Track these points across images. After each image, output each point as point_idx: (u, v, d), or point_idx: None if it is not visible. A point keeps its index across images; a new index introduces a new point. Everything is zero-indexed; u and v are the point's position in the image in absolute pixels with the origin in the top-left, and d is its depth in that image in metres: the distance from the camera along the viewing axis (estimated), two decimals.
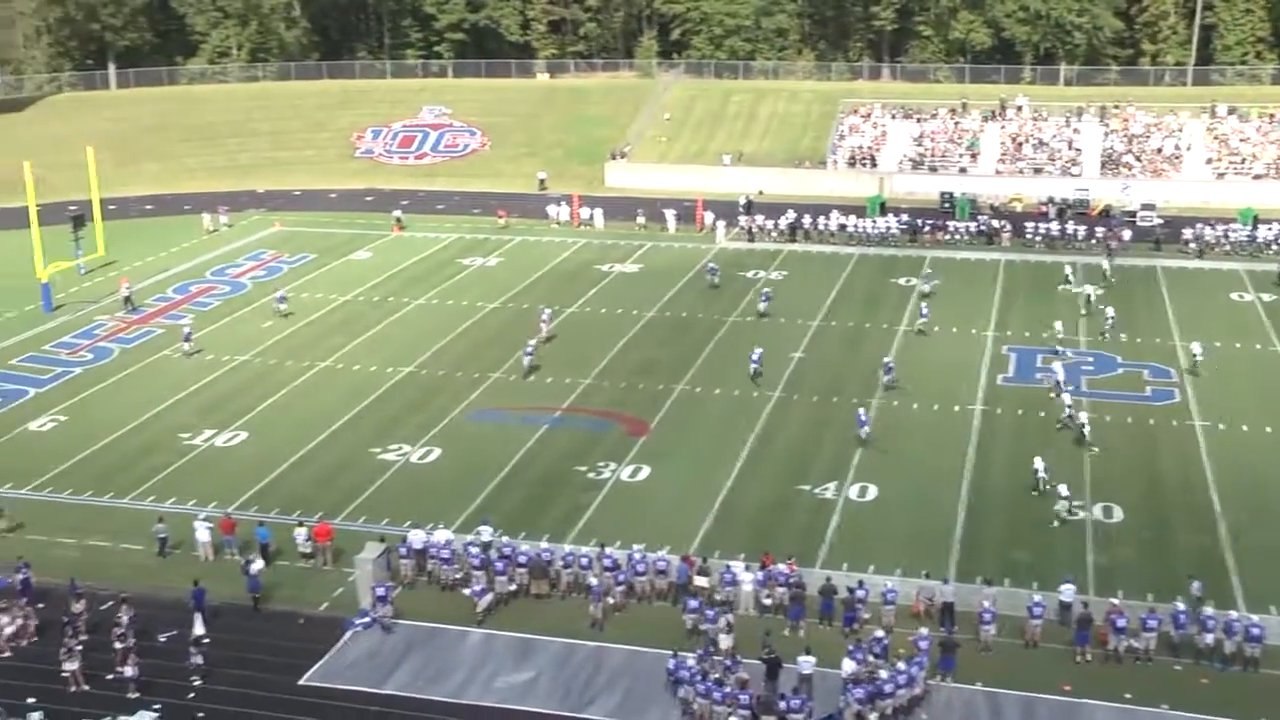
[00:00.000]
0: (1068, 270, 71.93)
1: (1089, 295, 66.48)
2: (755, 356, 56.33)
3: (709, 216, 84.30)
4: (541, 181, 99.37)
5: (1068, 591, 37.56)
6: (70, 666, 35.29)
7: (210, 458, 50.02)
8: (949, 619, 37.13)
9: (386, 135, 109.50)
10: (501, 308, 68.38)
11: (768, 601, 38.11)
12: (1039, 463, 45.67)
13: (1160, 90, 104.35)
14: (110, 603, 38.69)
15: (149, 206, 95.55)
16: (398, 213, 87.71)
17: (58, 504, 46.37)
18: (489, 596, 38.06)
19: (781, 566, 38.76)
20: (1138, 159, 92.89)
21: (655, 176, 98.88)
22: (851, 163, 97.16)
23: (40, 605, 38.99)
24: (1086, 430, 49.30)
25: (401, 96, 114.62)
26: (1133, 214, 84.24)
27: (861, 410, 51.30)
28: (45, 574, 40.24)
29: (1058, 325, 60.98)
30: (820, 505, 44.70)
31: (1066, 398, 52.12)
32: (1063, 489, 43.87)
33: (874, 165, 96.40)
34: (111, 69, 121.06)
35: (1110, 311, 62.90)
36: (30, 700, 34.49)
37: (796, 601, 37.60)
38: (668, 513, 44.29)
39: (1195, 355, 56.87)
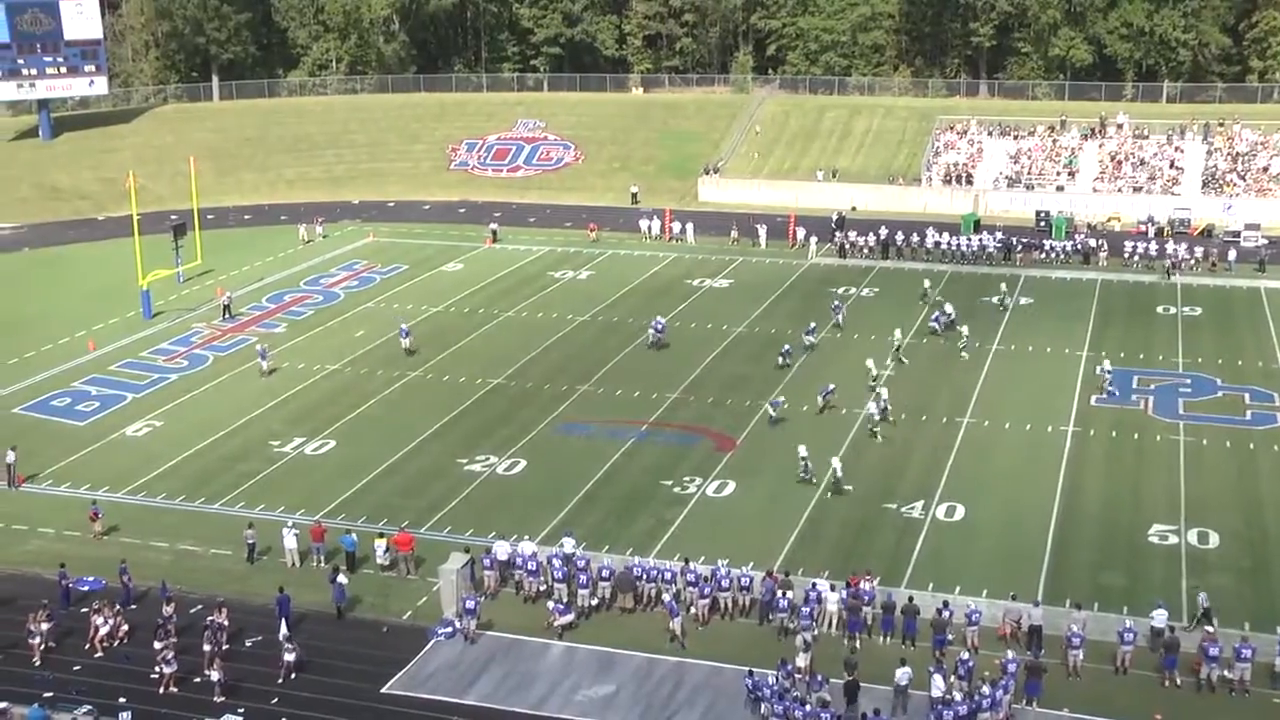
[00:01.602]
0: (926, 284, 71.51)
1: (924, 291, 69.22)
2: (825, 389, 55.12)
3: (801, 232, 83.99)
4: (634, 195, 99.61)
5: (1159, 617, 36.80)
6: (166, 670, 35.86)
7: (299, 465, 50.68)
8: (1036, 642, 36.56)
9: (481, 148, 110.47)
10: (591, 321, 68.61)
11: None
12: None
13: (1268, 108, 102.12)
14: (200, 606, 39.32)
15: (247, 216, 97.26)
16: (493, 225, 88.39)
17: (152, 508, 47.24)
18: (569, 616, 38.08)
19: (865, 585, 38.43)
20: (1242, 178, 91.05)
21: (748, 191, 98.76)
22: (946, 180, 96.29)
23: (133, 607, 39.76)
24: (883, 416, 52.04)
25: (496, 110, 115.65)
26: (1235, 234, 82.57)
27: (781, 398, 53.81)
28: (137, 577, 40.97)
29: (897, 333, 62.29)
30: (907, 524, 44.25)
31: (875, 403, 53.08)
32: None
33: (969, 183, 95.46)
34: (215, 81, 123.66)
35: (965, 330, 62.75)
36: (121, 700, 35.15)
37: (854, 614, 37.32)
38: (752, 529, 44.10)
39: None
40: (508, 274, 79.03)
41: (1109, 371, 56.50)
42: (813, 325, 63.06)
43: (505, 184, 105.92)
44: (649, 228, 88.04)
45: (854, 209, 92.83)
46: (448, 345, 64.79)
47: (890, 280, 75.40)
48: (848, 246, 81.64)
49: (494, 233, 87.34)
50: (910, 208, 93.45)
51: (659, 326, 64.41)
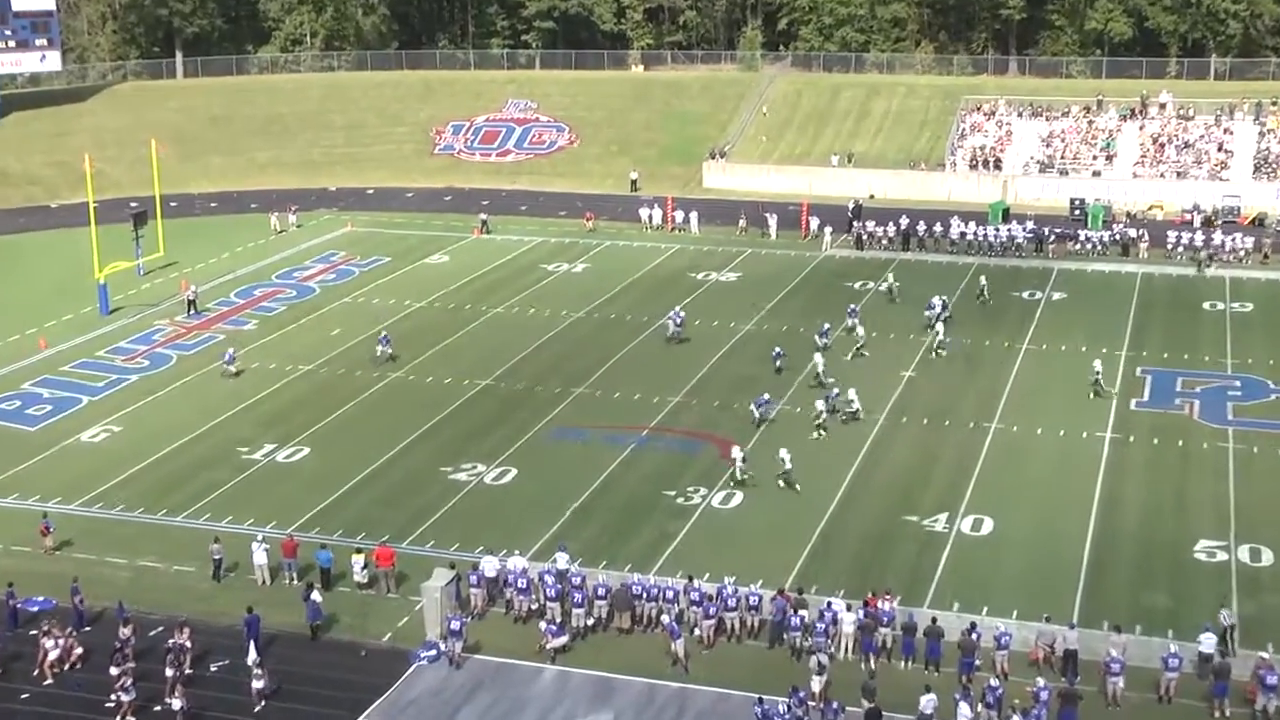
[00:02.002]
0: (891, 279, 71.63)
1: (890, 287, 69.88)
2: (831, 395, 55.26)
3: (815, 222, 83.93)
4: (633, 182, 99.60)
5: (1208, 641, 36.60)
6: (124, 698, 35.66)
7: (270, 474, 50.57)
8: (1071, 668, 36.40)
9: (468, 130, 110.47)
10: (587, 318, 68.57)
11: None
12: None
13: None
14: (160, 628, 39.18)
15: (214, 204, 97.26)
16: (484, 216, 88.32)
17: (108, 520, 47.09)
18: (563, 638, 37.95)
19: (884, 605, 38.30)
20: None
21: (757, 178, 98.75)
22: (973, 165, 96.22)
23: (87, 629, 39.60)
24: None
25: (485, 89, 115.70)
26: None
27: (766, 395, 54.28)
28: (92, 596, 40.79)
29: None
30: (929, 539, 44.13)
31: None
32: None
33: (998, 168, 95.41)
34: (178, 57, 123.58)
35: (860, 331, 62.87)
36: None
37: (867, 633, 37.20)
38: (762, 543, 43.97)
39: None
40: (497, 267, 78.95)
41: (1098, 373, 56.48)
42: (826, 326, 62.90)
43: (494, 169, 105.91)
44: (650, 217, 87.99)
45: (872, 197, 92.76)
46: (432, 344, 64.71)
47: (911, 274, 75.22)
48: (865, 237, 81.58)
49: (484, 223, 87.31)
50: (933, 195, 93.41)
51: (678, 319, 64.42)
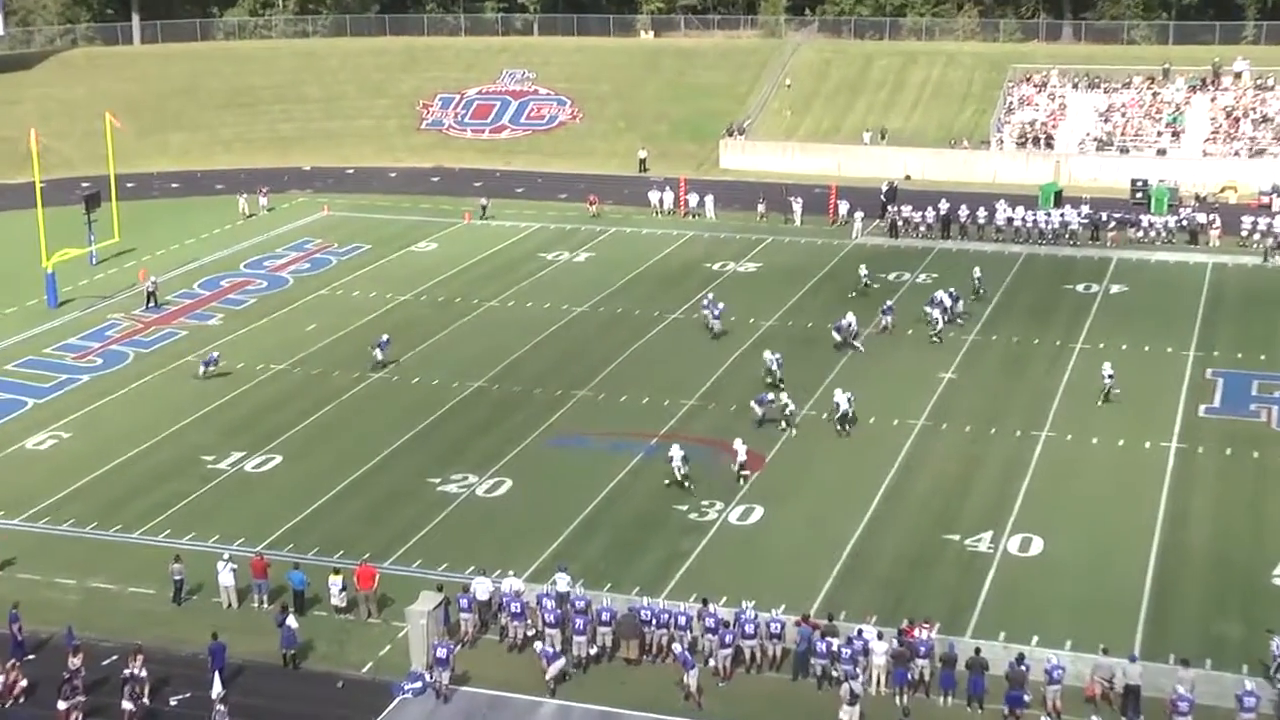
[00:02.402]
0: (863, 271, 71.41)
1: (862, 278, 70.39)
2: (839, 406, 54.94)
3: (844, 206, 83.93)
4: (642, 162, 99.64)
5: None
6: None
7: (238, 485, 50.60)
8: (1133, 706, 36.30)
9: (458, 104, 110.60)
10: (591, 312, 68.67)
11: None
12: None
13: None
14: (115, 656, 39.17)
15: (175, 185, 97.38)
16: (485, 201, 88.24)
17: (55, 537, 47.08)
18: (560, 662, 37.94)
19: (922, 633, 38.23)
20: None
21: (780, 157, 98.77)
22: (1022, 142, 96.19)
23: (31, 658, 39.59)
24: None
25: (477, 58, 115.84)
26: None
27: (769, 395, 54.86)
28: (37, 621, 40.77)
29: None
30: (972, 560, 44.05)
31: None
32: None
33: (1049, 146, 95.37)
34: (135, 21, 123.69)
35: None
36: None
37: (901, 664, 37.13)
38: (784, 564, 43.92)
39: None
40: (491, 256, 79.02)
41: (1110, 376, 56.39)
42: (845, 321, 62.86)
43: (487, 147, 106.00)
44: (660, 200, 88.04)
45: (908, 178, 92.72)
46: (418, 342, 64.75)
47: (952, 264, 75.22)
48: (900, 223, 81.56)
49: (484, 208, 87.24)
50: (977, 176, 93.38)
51: (716, 311, 64.67)
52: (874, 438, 53.21)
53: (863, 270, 71.03)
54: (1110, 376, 56.23)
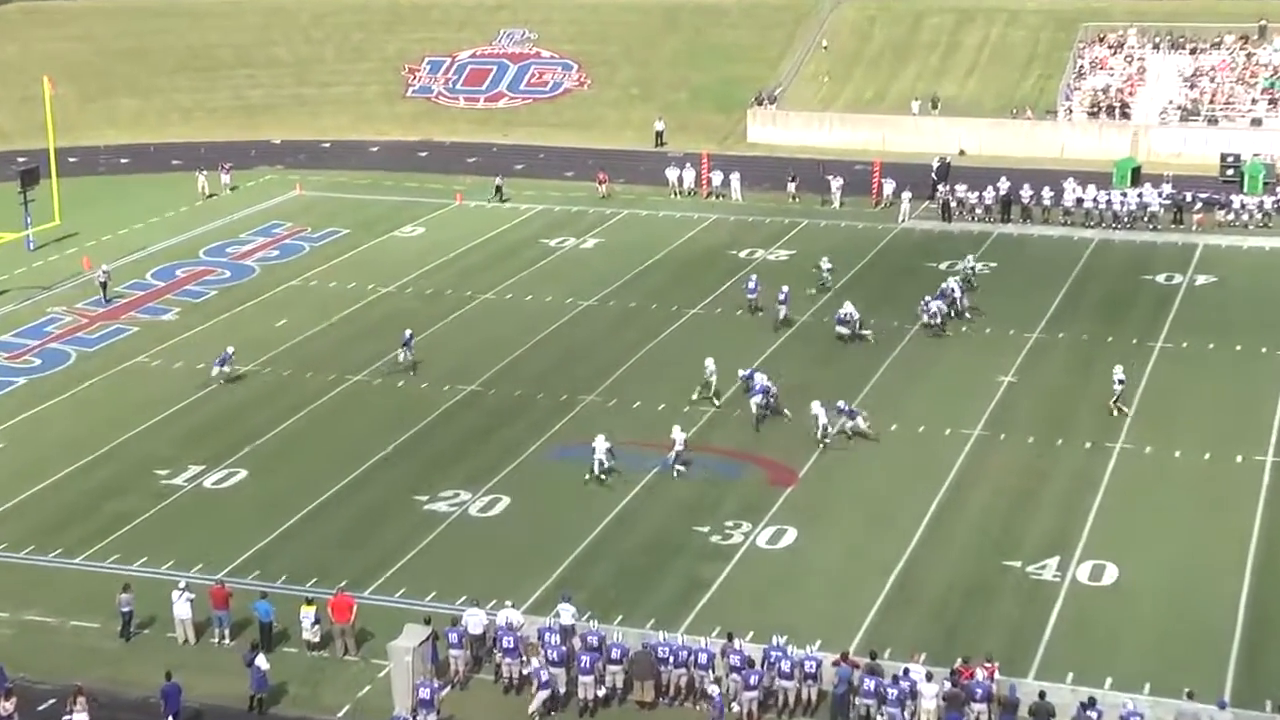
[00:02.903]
0: (825, 265, 70.78)
1: (821, 274, 70.00)
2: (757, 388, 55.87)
3: (889, 186, 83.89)
4: (659, 135, 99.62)
5: None
6: None
7: (197, 504, 50.62)
8: None
9: (449, 69, 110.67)
10: (600, 307, 68.82)
11: None
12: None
13: None
14: (53, 700, 39.16)
15: (124, 160, 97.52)
16: (499, 180, 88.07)
17: None
18: (544, 695, 37.91)
19: (979, 674, 38.15)
20: None
21: (816, 130, 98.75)
22: (1094, 111, 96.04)
23: None
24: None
25: (470, 16, 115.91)
26: None
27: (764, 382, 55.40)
28: None
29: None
30: (1036, 590, 43.95)
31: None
32: None
33: (1125, 116, 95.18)
34: None
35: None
36: None
37: (954, 708, 37.02)
38: (821, 594, 43.89)
39: None
40: (486, 242, 79.11)
41: (1122, 381, 56.23)
42: (844, 312, 63.19)
43: (482, 118, 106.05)
44: (679, 179, 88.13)
45: (962, 153, 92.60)
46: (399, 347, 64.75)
47: (1013, 252, 75.18)
48: (954, 205, 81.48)
49: (499, 189, 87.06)
50: (1042, 151, 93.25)
51: (782, 295, 64.86)
52: (923, 449, 53.17)
53: (824, 264, 70.39)
54: (1121, 382, 56.18)
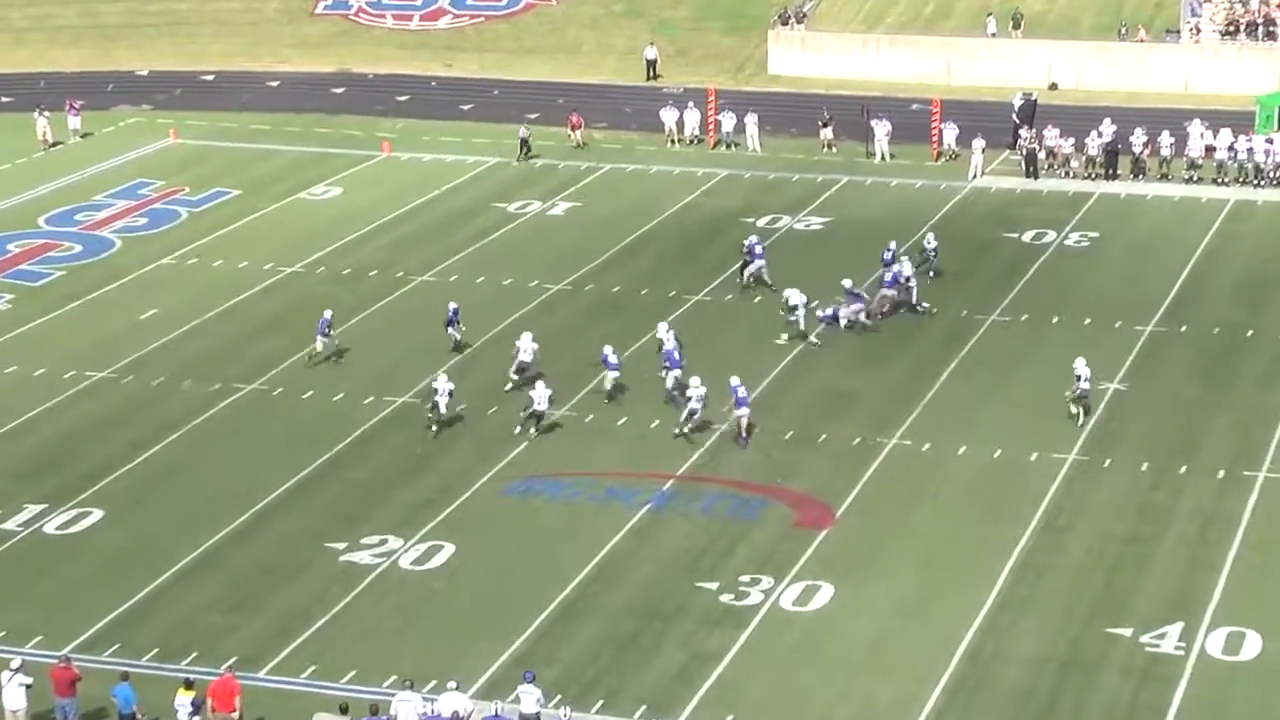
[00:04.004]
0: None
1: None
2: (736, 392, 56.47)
3: (952, 132, 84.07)
4: (651, 65, 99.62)
5: None
6: None
7: (35, 554, 50.48)
8: None
9: None
10: (574, 292, 69.12)
11: None
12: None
13: None
14: None
15: None
16: (524, 131, 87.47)
17: None
18: None
19: None
20: None
21: (857, 57, 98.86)
22: (1229, 31, 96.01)
23: None
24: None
25: None
26: None
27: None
28: None
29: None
30: (1152, 665, 43.99)
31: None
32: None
33: (1271, 37, 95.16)
34: None
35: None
36: None
37: None
38: (866, 670, 43.94)
39: None
40: (423, 206, 79.38)
41: (1084, 380, 56.82)
42: (796, 304, 63.48)
43: (417, 41, 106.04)
44: (678, 123, 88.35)
45: (1054, 87, 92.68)
46: (313, 337, 64.58)
47: (1120, 219, 75.38)
48: (1042, 156, 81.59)
49: (524, 143, 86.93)
50: (1159, 85, 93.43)
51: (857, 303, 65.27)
52: (1001, 480, 53.33)
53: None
54: (1085, 380, 56.71)
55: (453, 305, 63.18)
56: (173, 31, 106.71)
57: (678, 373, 57.83)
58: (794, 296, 63.33)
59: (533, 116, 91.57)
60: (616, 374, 58.58)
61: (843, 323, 62.55)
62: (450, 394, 53.59)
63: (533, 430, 56.20)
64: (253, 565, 49.58)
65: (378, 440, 57.11)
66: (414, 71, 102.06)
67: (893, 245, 67.51)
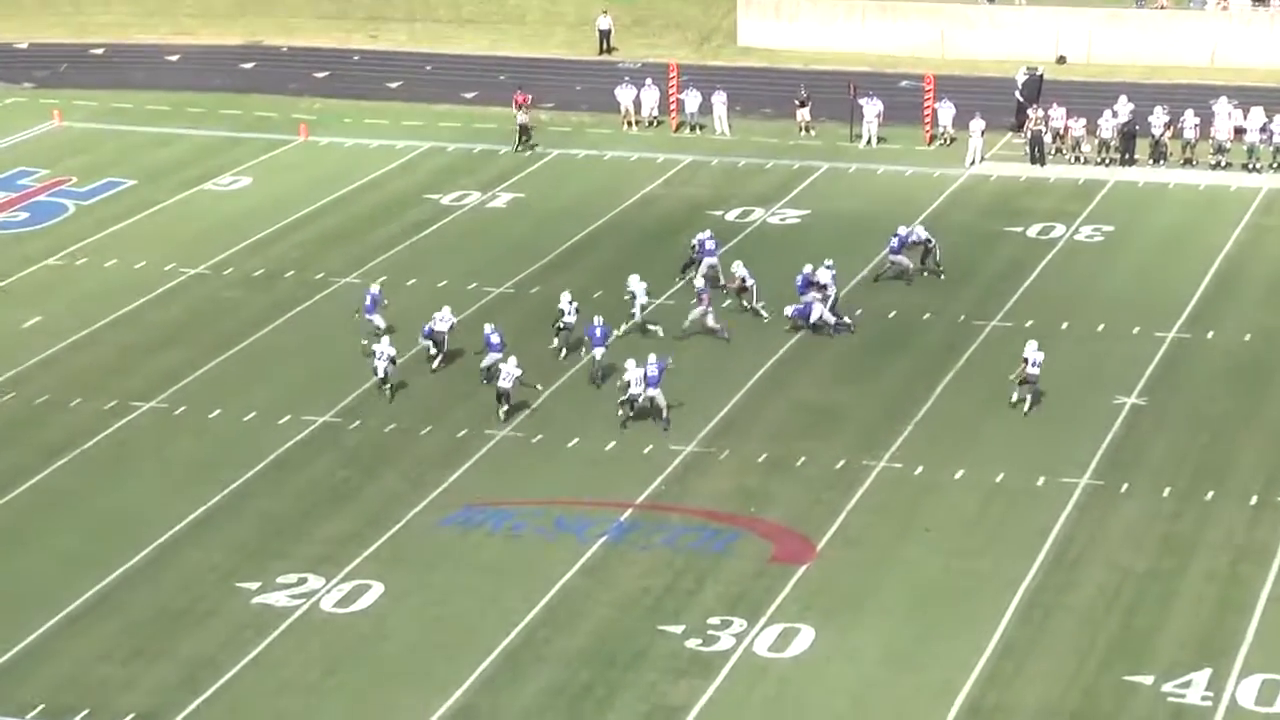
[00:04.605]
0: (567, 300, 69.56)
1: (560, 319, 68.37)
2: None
3: (947, 111, 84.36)
4: (604, 36, 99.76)
5: None
6: None
7: None
8: None
9: None
10: (517, 296, 69.48)
11: None
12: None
13: None
14: None
15: None
16: (524, 116, 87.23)
17: None
18: None
19: None
20: None
21: (838, 27, 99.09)
22: None
23: None
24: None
25: None
26: None
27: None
28: None
29: None
30: (1175, 718, 44.33)
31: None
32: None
33: None
34: None
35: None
36: None
37: None
38: None
39: None
40: (345, 198, 79.51)
41: (1035, 364, 58.02)
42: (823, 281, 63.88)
43: (337, 11, 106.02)
44: (635, 103, 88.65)
45: (1062, 60, 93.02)
46: (221, 347, 65.04)
47: (1138, 208, 75.85)
48: (1048, 140, 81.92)
49: (524, 131, 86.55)
50: (1182, 58, 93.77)
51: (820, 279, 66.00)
52: (1004, 507, 53.52)
53: (702, 240, 70.28)
54: (1034, 364, 57.58)
55: (373, 289, 64.04)
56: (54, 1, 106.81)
57: (601, 350, 59.58)
58: (633, 283, 64.79)
59: (469, 94, 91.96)
60: (498, 355, 60.04)
61: (813, 319, 63.17)
62: (392, 360, 54.60)
63: (502, 413, 58.29)
64: (153, 608, 49.51)
65: (295, 465, 57.19)
66: (334, 44, 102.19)
67: (901, 231, 68.89)
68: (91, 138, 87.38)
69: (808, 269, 65.49)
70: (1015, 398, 57.70)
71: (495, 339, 60.33)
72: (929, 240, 68.55)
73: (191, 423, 59.77)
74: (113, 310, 67.78)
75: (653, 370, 57.35)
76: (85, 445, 58.46)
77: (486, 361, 60.23)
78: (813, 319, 63.42)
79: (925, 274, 68.09)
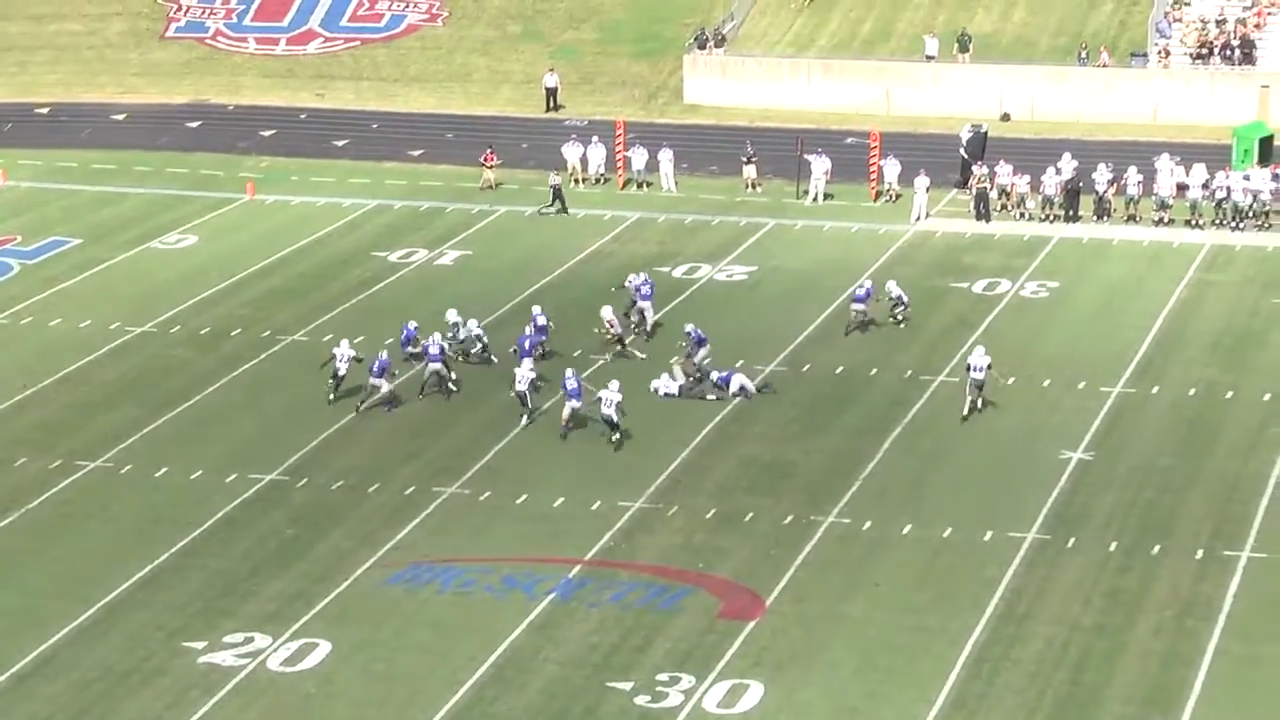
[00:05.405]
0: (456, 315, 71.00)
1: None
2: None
3: (893, 168, 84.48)
4: (551, 94, 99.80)
5: None
6: None
7: None
8: None
9: None
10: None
11: None
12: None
13: None
14: None
15: None
16: (555, 179, 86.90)
17: None
18: None
19: None
20: None
21: (785, 85, 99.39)
22: (1200, 55, 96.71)
23: None
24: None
25: None
26: None
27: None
28: None
29: None
30: None
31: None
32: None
33: (1248, 61, 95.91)
34: None
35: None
36: None
37: None
38: None
39: None
40: (292, 256, 79.41)
41: (980, 370, 59.42)
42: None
43: (284, 68, 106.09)
44: (582, 160, 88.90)
45: (1006, 118, 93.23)
46: (167, 405, 64.85)
47: (1082, 265, 76.00)
48: (993, 196, 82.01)
49: (556, 193, 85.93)
50: (1122, 115, 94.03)
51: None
52: (952, 563, 53.42)
53: (637, 284, 70.69)
54: (980, 370, 57.68)
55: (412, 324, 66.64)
56: (1, 58, 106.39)
57: (578, 403, 59.98)
58: (607, 313, 66.08)
59: (414, 151, 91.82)
60: (438, 365, 63.24)
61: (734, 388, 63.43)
62: (350, 359, 54.49)
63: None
64: (98, 668, 49.17)
65: (242, 524, 56.88)
66: (280, 103, 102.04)
67: (867, 284, 69.29)
68: (36, 196, 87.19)
69: (689, 327, 66.19)
70: (965, 410, 57.69)
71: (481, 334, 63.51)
72: (901, 297, 68.51)
73: (138, 481, 59.52)
74: (58, 368, 67.53)
75: (571, 384, 59.16)
76: (31, 504, 58.16)
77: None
78: (732, 389, 63.43)
79: (893, 320, 68.32)
